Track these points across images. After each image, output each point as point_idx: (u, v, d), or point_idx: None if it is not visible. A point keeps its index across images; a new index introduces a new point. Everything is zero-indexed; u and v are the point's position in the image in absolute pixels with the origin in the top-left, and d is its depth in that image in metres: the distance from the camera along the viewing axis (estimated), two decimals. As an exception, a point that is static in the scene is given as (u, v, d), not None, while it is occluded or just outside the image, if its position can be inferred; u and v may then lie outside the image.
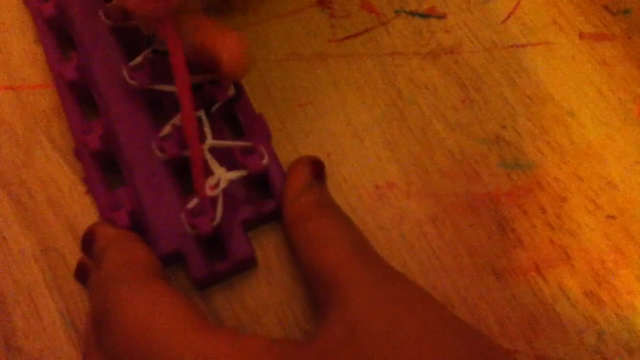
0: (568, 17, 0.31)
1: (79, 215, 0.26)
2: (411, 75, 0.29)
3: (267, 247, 0.25)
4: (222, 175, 0.24)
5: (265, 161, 0.25)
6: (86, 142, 0.25)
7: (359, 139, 0.28)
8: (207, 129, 0.25)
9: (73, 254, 0.25)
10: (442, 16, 0.31)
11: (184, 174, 0.25)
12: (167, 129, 0.25)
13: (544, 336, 0.24)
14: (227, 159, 0.25)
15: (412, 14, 0.31)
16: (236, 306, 0.25)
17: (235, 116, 0.27)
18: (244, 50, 0.24)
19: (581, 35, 0.30)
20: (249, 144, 0.25)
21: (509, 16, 0.31)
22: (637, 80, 0.29)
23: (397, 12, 0.31)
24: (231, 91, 0.26)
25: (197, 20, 0.24)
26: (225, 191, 0.24)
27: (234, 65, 0.24)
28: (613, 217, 0.26)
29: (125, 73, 0.26)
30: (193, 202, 0.24)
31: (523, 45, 0.30)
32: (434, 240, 0.26)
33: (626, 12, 0.31)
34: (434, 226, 0.26)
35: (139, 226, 0.24)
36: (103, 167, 0.26)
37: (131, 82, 0.26)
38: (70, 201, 0.26)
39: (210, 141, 0.25)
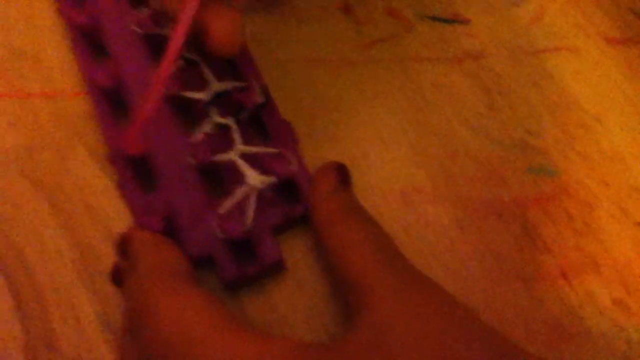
0: (593, 21, 0.30)
1: (114, 219, 0.26)
2: (436, 81, 0.29)
3: (296, 251, 0.26)
4: (254, 179, 0.24)
5: (292, 167, 0.25)
6: (118, 145, 0.26)
7: (384, 144, 0.28)
8: (237, 136, 0.26)
9: (109, 257, 0.25)
10: (466, 21, 0.31)
11: (214, 178, 0.26)
12: (198, 136, 0.26)
13: (571, 343, 0.24)
14: (256, 166, 0.25)
15: (437, 19, 0.31)
16: (266, 309, 0.25)
17: (262, 122, 0.27)
18: (235, 27, 0.25)
19: (607, 40, 0.30)
20: (276, 150, 0.26)
21: (533, 21, 0.31)
22: (665, 85, 0.29)
23: (421, 17, 0.31)
24: (259, 98, 0.27)
25: None
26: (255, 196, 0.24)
27: (223, 42, 0.25)
28: (640, 224, 0.26)
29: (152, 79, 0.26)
30: (225, 206, 0.24)
31: (548, 50, 0.30)
32: (460, 245, 0.26)
33: (653, 16, 0.30)
34: (460, 232, 0.26)
35: (171, 230, 0.25)
36: (136, 172, 0.26)
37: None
38: (105, 206, 0.26)
39: (240, 147, 0.25)
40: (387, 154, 0.28)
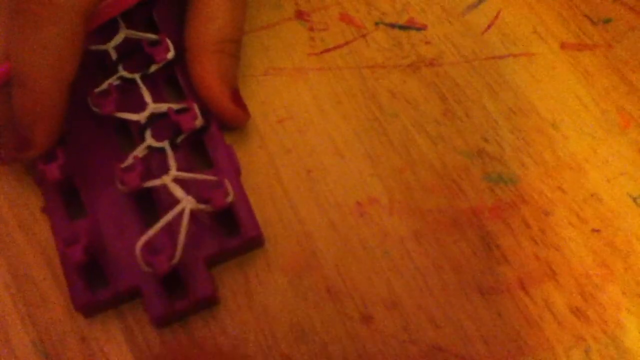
0: (549, 27, 0.30)
1: (50, 240, 0.25)
2: (392, 88, 0.29)
3: (234, 283, 0.25)
4: (187, 201, 0.23)
5: (229, 199, 0.23)
6: (45, 171, 0.24)
7: (339, 154, 0.27)
8: (172, 161, 0.24)
9: (46, 281, 0.24)
10: (422, 27, 0.30)
11: (149, 206, 0.24)
12: (129, 160, 0.24)
13: (530, 355, 0.23)
14: (192, 194, 0.24)
15: (392, 25, 0.30)
16: (216, 331, 0.24)
17: (204, 147, 0.26)
18: (238, 111, 0.26)
19: (562, 45, 0.30)
20: (214, 178, 0.24)
21: (489, 27, 0.30)
22: (620, 91, 0.29)
23: (376, 24, 0.30)
24: (198, 121, 0.25)
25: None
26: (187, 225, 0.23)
27: (228, 122, 0.26)
28: (598, 231, 0.26)
29: (90, 100, 0.25)
30: (148, 235, 0.22)
31: (504, 56, 0.30)
32: (418, 257, 0.25)
33: (607, 21, 0.30)
34: (417, 243, 0.25)
35: (95, 260, 0.23)
36: (64, 196, 0.25)
37: (95, 109, 0.25)
38: (42, 229, 0.25)
39: (173, 173, 0.24)
40: (343, 164, 0.27)
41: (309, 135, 0.28)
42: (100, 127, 0.26)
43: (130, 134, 0.26)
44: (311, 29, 0.30)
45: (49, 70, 0.22)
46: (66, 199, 0.25)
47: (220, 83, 0.25)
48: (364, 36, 0.30)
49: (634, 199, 0.26)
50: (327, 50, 0.30)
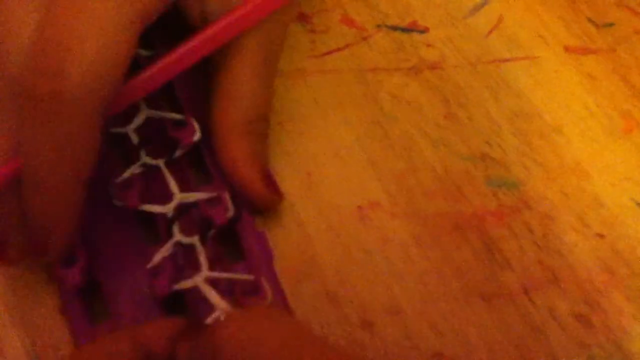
0: (552, 31, 0.30)
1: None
2: (393, 91, 0.28)
3: None
4: (222, 312, 0.21)
5: (267, 301, 0.22)
6: (65, 276, 0.22)
7: (340, 158, 0.27)
8: (203, 259, 0.22)
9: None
10: (424, 30, 0.30)
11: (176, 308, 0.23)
12: (156, 259, 0.22)
13: (534, 362, 0.23)
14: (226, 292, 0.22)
15: (394, 28, 0.30)
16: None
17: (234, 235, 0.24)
18: (272, 195, 0.25)
19: (566, 49, 0.30)
20: (250, 277, 0.23)
21: (492, 30, 0.30)
22: (624, 94, 0.28)
23: (378, 26, 0.30)
24: (230, 213, 0.23)
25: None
26: None
27: (261, 207, 0.25)
28: (601, 236, 0.25)
29: (111, 192, 0.23)
30: None
31: (507, 60, 0.29)
32: (419, 262, 0.25)
33: (610, 25, 0.30)
34: (419, 248, 0.25)
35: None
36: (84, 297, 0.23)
37: (118, 203, 0.23)
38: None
39: (205, 273, 0.22)
40: (344, 168, 0.27)
41: (309, 138, 0.27)
42: (123, 220, 0.24)
43: (155, 224, 0.24)
44: (312, 31, 0.30)
45: (64, 169, 0.20)
46: (86, 300, 0.23)
47: (251, 168, 0.24)
48: (365, 39, 0.30)
49: (638, 204, 0.26)
50: (329, 53, 0.29)
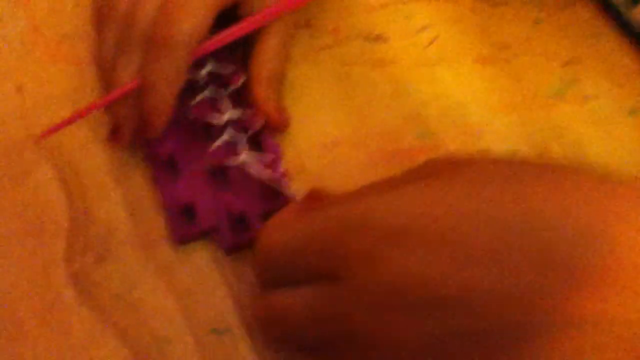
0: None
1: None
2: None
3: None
4: (246, 158, 0.35)
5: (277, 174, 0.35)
6: (159, 146, 0.35)
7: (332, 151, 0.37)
8: (243, 146, 0.35)
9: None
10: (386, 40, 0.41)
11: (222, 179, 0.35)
12: (215, 145, 0.36)
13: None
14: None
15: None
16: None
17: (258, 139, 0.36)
18: (281, 118, 0.37)
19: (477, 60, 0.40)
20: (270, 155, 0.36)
21: (431, 42, 0.42)
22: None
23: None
24: (259, 123, 0.36)
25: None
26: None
27: (276, 126, 0.37)
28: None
29: (185, 109, 0.36)
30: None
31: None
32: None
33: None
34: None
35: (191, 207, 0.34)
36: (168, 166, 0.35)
37: (190, 115, 0.35)
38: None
39: (244, 155, 0.35)
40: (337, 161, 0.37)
41: (300, 134, 0.37)
42: (192, 125, 0.36)
43: (212, 131, 0.36)
44: (311, 36, 0.40)
45: (169, 82, 0.33)
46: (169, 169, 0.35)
47: (270, 97, 0.36)
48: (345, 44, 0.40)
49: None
50: (323, 49, 0.39)
